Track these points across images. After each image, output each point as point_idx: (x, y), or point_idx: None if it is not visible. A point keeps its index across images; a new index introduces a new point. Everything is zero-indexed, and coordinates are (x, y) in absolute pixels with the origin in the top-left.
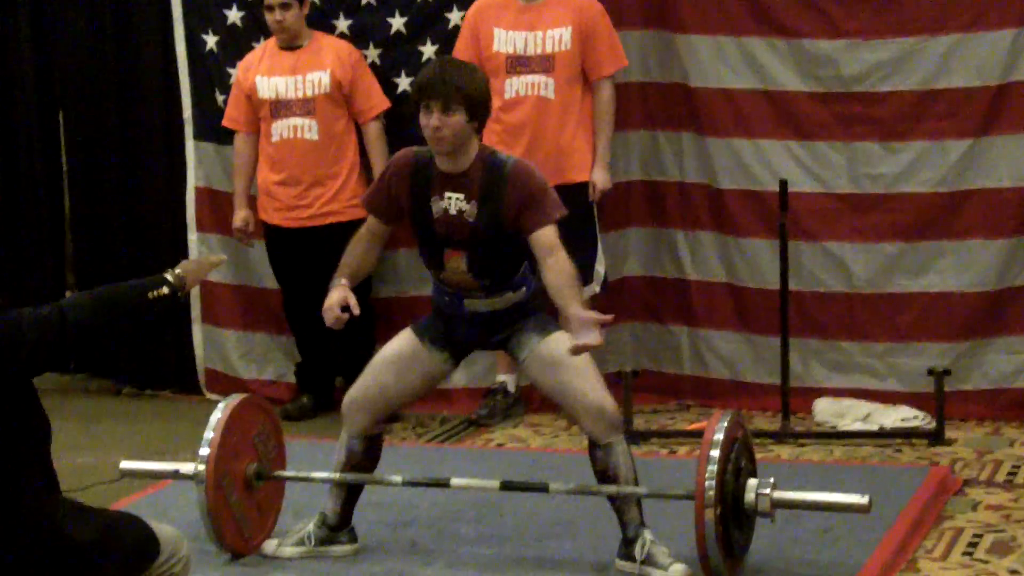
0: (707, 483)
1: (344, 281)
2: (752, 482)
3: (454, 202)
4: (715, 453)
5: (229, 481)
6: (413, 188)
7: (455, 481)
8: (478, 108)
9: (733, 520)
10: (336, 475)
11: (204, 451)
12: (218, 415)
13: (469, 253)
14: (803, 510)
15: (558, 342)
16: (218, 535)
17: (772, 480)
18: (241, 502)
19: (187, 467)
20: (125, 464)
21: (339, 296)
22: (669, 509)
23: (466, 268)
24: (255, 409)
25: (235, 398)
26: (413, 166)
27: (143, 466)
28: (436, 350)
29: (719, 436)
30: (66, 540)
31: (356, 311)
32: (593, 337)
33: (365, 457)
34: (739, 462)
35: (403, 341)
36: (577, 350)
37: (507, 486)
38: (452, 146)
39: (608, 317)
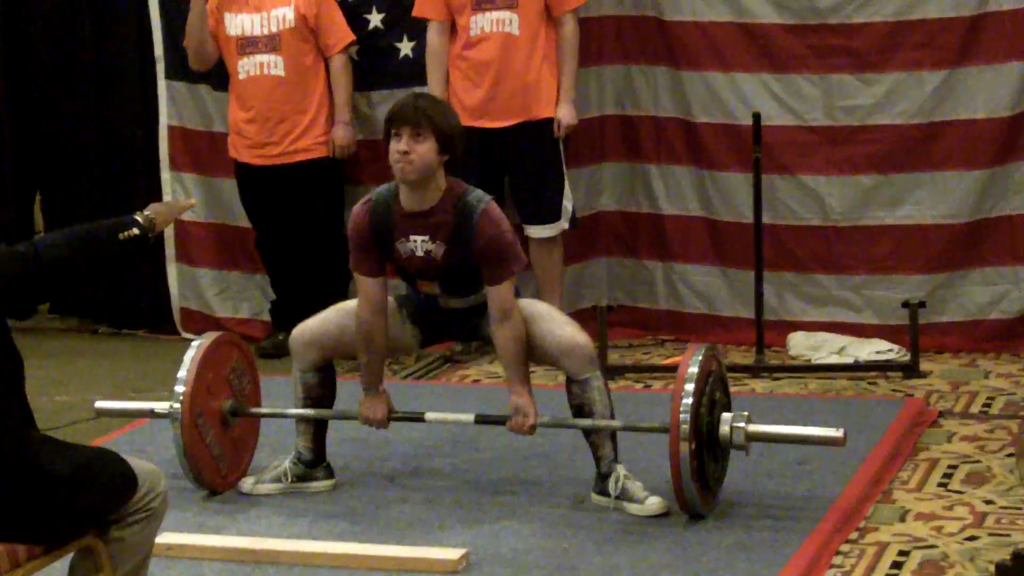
0: (681, 416)
1: (382, 388)
2: (726, 415)
3: (420, 244)
4: (690, 387)
5: (204, 419)
6: (376, 236)
7: (430, 415)
8: (448, 141)
9: (708, 453)
10: (311, 411)
11: (179, 389)
12: (192, 353)
13: (441, 283)
14: (778, 443)
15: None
16: (195, 472)
17: (747, 413)
18: (217, 439)
19: (162, 406)
20: (100, 404)
21: (384, 411)
22: (645, 441)
23: (440, 291)
24: (229, 346)
25: (209, 336)
26: (370, 216)
27: (118, 405)
28: (411, 323)
29: (693, 369)
30: (43, 474)
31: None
32: (528, 426)
33: (322, 387)
34: (713, 395)
35: None
36: (510, 428)
37: (482, 419)
38: (418, 174)
39: (535, 423)
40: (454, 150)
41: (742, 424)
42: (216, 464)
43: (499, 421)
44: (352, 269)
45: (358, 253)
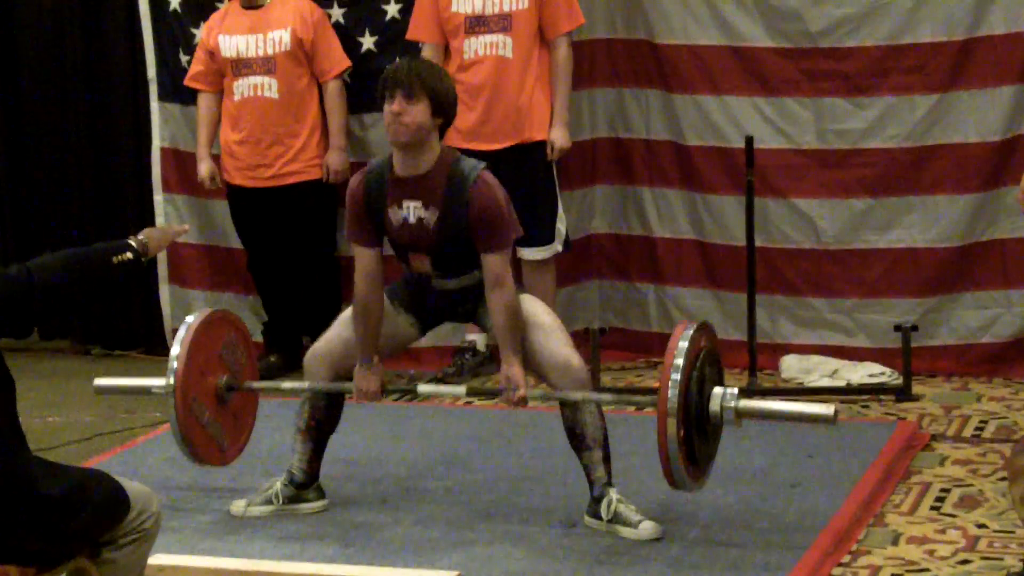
0: (670, 392)
1: (375, 360)
2: (717, 391)
3: (413, 210)
4: (679, 361)
5: (200, 402)
6: (368, 202)
7: (422, 388)
8: (442, 106)
9: (697, 429)
10: (304, 384)
11: (172, 366)
12: (183, 333)
13: (433, 257)
14: (768, 420)
15: (522, 304)
16: (192, 453)
17: (737, 390)
18: (214, 417)
19: (159, 383)
20: (99, 381)
21: (377, 384)
22: (638, 464)
23: (431, 268)
24: (220, 323)
25: (200, 315)
26: (365, 183)
27: (117, 382)
28: (404, 312)
29: (683, 344)
30: (35, 495)
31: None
32: (518, 398)
33: (329, 407)
34: (704, 371)
35: None
36: (503, 401)
37: (473, 391)
38: (411, 136)
39: (525, 395)
40: (448, 113)
41: (732, 401)
42: (214, 442)
43: (491, 393)
44: (348, 240)
45: (353, 222)
